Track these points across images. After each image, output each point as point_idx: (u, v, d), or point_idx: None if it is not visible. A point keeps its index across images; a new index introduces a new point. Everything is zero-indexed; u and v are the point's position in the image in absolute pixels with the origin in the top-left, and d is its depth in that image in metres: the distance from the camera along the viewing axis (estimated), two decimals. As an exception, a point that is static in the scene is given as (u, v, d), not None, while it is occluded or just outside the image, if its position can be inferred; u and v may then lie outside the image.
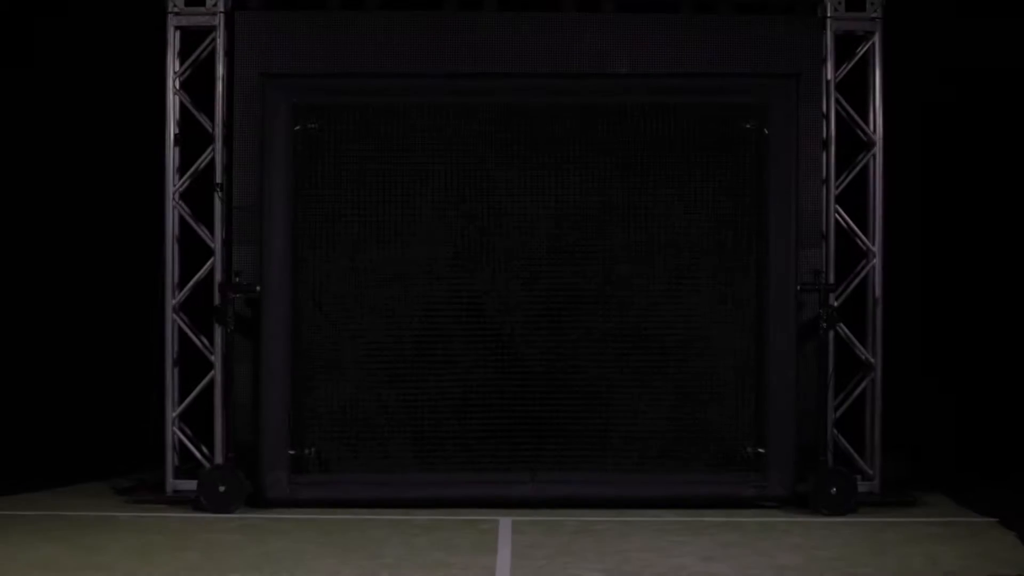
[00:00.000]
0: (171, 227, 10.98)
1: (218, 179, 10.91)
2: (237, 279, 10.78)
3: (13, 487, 11.03)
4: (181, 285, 11.05)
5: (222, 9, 10.86)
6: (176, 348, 11.00)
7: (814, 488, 10.60)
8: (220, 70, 10.90)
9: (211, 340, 10.98)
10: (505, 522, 10.22)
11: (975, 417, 11.70)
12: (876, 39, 10.95)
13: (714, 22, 11.00)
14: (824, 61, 10.99)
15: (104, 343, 11.84)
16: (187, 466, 11.07)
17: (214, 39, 10.92)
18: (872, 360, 11.03)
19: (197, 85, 11.01)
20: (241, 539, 9.83)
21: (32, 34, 11.62)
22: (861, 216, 11.09)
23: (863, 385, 11.08)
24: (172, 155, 10.96)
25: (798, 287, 10.75)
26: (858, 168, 11.10)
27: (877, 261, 11.05)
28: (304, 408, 10.75)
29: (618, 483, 10.71)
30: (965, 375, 11.70)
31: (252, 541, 9.78)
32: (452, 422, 10.76)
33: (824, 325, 10.78)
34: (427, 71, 10.91)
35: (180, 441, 11.04)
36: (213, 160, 10.95)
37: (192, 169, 11.04)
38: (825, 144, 10.99)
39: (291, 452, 10.70)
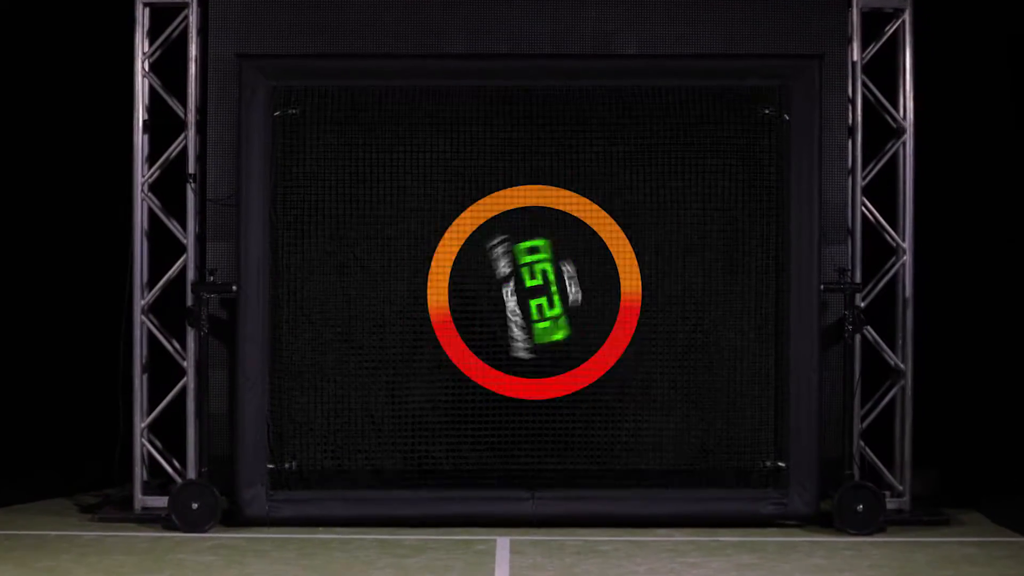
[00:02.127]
0: (140, 221, 10.94)
1: (191, 169, 10.88)
2: (211, 278, 10.76)
3: (-32, 504, 11.07)
4: (151, 284, 11.03)
5: (195, -16, 10.90)
6: (145, 353, 10.98)
7: (839, 505, 10.59)
8: (193, 51, 10.88)
9: (183, 344, 10.96)
10: (503, 542, 10.21)
11: (1014, 428, 11.64)
12: (906, 16, 10.96)
13: (730, -2, 11.05)
14: (850, 41, 10.98)
15: (67, 347, 11.84)
16: (157, 481, 11.07)
17: (186, 17, 10.90)
18: (902, 366, 11.02)
19: (168, 67, 11.00)
20: (216, 561, 9.81)
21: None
22: (890, 209, 11.09)
23: (892, 393, 11.07)
24: (141, 143, 10.95)
25: (821, 287, 10.74)
26: (887, 157, 11.09)
27: (907, 258, 11.03)
28: (284, 418, 10.74)
29: (625, 500, 10.70)
30: (1003, 382, 11.65)
31: (228, 563, 9.75)
32: (445, 433, 10.74)
33: (850, 328, 10.77)
34: (418, 52, 10.92)
35: (149, 454, 11.01)
36: (185, 148, 10.93)
37: (163, 158, 11.02)
38: (851, 131, 10.99)
39: (270, 466, 10.68)
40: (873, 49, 11.03)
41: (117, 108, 11.09)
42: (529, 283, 10.67)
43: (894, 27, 10.99)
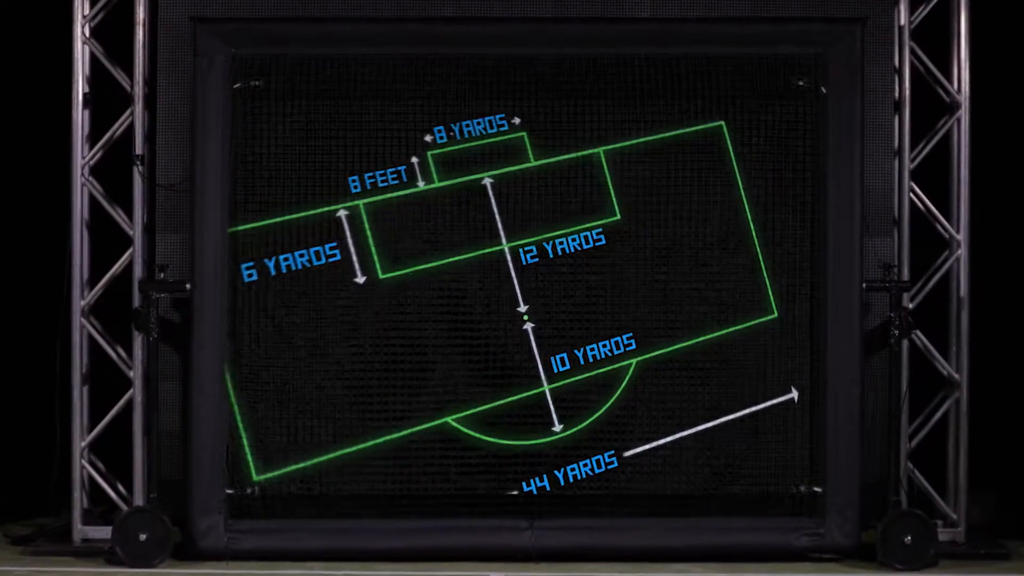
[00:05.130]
0: (79, 209, 10.82)
1: (138, 149, 10.74)
2: (162, 275, 10.63)
3: None
4: (92, 282, 10.90)
5: (139, -63, 10.93)
6: (85, 361, 10.84)
7: (883, 536, 10.41)
8: (140, 13, 10.77)
9: (129, 351, 10.81)
10: (497, 579, 10.22)
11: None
12: (962, -26, 11.00)
13: (759, -46, 11.07)
14: (896, 2, 10.86)
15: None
16: (99, 509, 10.98)
17: (132, -26, 10.96)
18: (956, 376, 10.87)
19: (112, 32, 10.90)
20: (164, 601, 9.78)
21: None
22: (942, 197, 10.97)
23: (945, 407, 10.92)
24: (80, 120, 10.84)
25: (863, 285, 10.59)
26: (939, 136, 10.96)
27: (962, 252, 10.90)
28: (245, 437, 10.54)
29: (637, 530, 10.54)
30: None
31: (178, 604, 9.72)
32: (431, 454, 10.56)
33: (896, 333, 10.59)
34: (398, 15, 10.82)
35: (90, 477, 10.88)
36: (132, 126, 10.82)
37: (106, 137, 10.92)
38: (897, 106, 10.87)
39: (229, 491, 10.51)
40: (924, 12, 10.89)
41: (53, 79, 11.03)
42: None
43: (947, -14, 11.03)
